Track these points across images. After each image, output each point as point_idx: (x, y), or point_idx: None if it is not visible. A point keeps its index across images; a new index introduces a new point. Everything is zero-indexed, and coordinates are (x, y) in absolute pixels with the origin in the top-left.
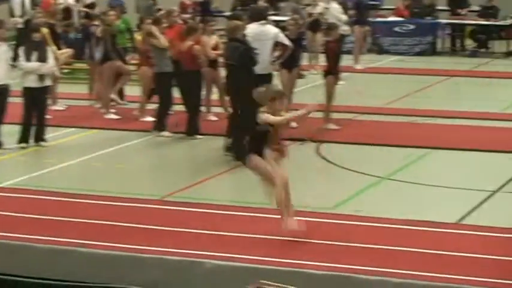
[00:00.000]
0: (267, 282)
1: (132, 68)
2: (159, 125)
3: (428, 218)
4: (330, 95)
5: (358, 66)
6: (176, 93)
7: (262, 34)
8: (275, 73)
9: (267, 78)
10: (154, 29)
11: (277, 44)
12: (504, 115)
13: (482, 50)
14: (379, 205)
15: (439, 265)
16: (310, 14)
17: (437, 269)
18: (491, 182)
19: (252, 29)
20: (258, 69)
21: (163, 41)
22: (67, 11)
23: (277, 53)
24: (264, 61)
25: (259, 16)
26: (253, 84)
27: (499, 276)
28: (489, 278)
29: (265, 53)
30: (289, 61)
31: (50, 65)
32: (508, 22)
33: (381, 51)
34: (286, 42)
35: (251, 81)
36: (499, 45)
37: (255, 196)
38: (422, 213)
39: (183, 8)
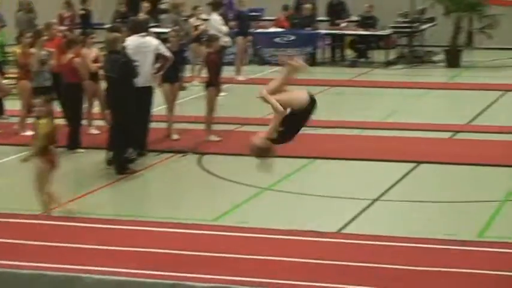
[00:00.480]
0: None
1: (10, 81)
2: None
3: (310, 228)
4: (211, 107)
5: (240, 77)
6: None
7: (142, 46)
8: (156, 85)
9: (147, 90)
10: (32, 50)
11: (158, 56)
12: (385, 124)
13: (362, 59)
14: (261, 216)
15: (320, 274)
16: (196, 27)
17: (319, 277)
18: (371, 190)
19: (132, 41)
20: (139, 81)
21: (34, 63)
22: None
23: (157, 65)
24: (145, 73)
25: (139, 28)
26: (133, 97)
27: (378, 284)
28: (368, 286)
29: (146, 65)
30: (172, 73)
31: None
32: (386, 32)
33: (262, 62)
34: (167, 53)
35: (131, 94)
36: (378, 55)
37: (138, 209)
38: (304, 223)
39: (61, 20)
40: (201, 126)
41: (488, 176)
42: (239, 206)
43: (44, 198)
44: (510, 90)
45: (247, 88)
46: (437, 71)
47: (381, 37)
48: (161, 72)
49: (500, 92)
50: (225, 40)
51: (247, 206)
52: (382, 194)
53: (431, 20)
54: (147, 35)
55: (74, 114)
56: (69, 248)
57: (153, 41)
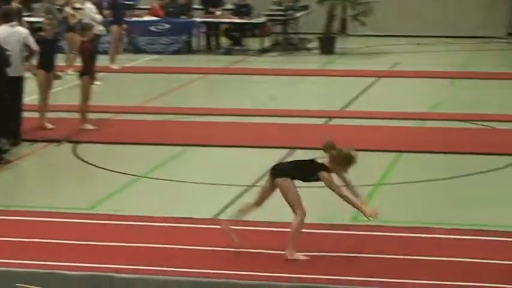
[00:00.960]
0: (24, 285)
1: None
2: None
3: (186, 215)
4: (85, 95)
5: (115, 66)
6: None
7: (12, 36)
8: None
9: (18, 80)
10: None
11: (25, 46)
12: (260, 111)
13: (237, 47)
14: (137, 204)
15: (200, 260)
16: (73, 16)
17: (195, 264)
18: (247, 177)
19: (2, 31)
20: (10, 71)
21: None
22: None
23: (25, 55)
24: (16, 63)
25: (10, 17)
26: (5, 86)
27: (252, 269)
28: (241, 271)
29: (16, 54)
30: (47, 62)
31: None
32: (261, 20)
33: (137, 50)
34: (34, 46)
35: (4, 83)
36: (253, 43)
37: (12, 199)
38: (180, 210)
39: None
40: (76, 115)
41: (362, 160)
42: (115, 194)
43: None
44: (383, 76)
45: (122, 77)
46: (312, 58)
47: (255, 25)
48: (30, 63)
49: (374, 78)
50: (99, 29)
51: (123, 194)
52: (258, 180)
53: (305, 7)
54: (18, 25)
55: None
56: None
57: (22, 31)
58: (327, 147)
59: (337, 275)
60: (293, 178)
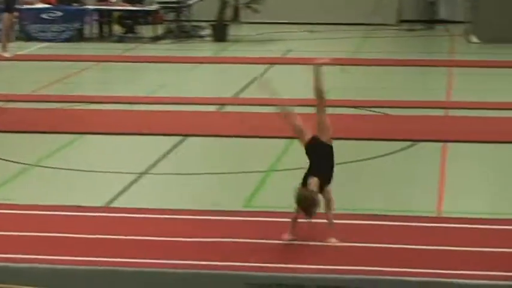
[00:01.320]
0: None
1: None
2: None
3: (77, 203)
4: None
5: (7, 54)
6: None
7: None
8: None
9: None
10: None
11: None
12: (152, 98)
13: (130, 35)
14: (28, 193)
15: (91, 248)
16: None
17: (91, 252)
18: (139, 164)
19: None
20: None
21: None
22: None
23: None
24: None
25: None
26: None
27: (145, 256)
28: (136, 259)
29: None
30: None
31: None
32: (153, 7)
33: (29, 38)
34: None
35: None
36: (146, 30)
37: None
38: (71, 198)
39: None
40: None
41: (255, 147)
42: (6, 184)
43: None
44: (276, 63)
45: (13, 65)
46: (205, 46)
47: (148, 12)
48: None
49: (266, 66)
50: None
51: (14, 183)
52: (150, 168)
53: None
54: None
55: None
56: None
57: None
58: (306, 194)
59: (238, 261)
60: (307, 153)
